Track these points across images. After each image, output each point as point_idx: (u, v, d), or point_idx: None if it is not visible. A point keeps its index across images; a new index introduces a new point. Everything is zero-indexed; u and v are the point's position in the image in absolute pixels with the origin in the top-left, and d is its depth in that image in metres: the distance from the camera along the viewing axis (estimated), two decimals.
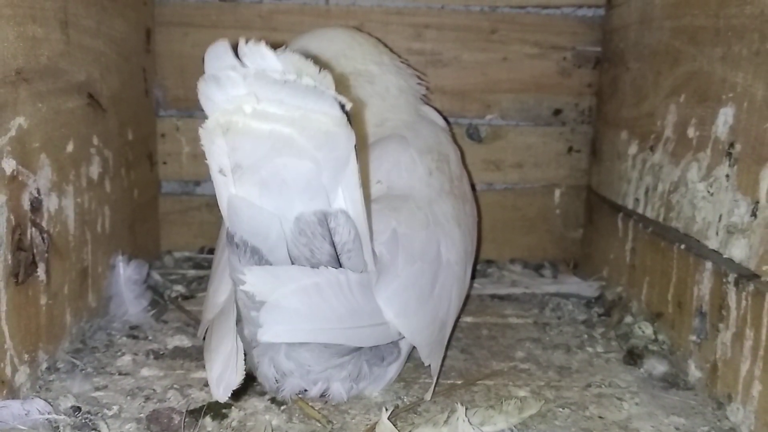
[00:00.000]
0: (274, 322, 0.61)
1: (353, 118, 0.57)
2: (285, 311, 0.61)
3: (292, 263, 0.62)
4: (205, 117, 0.55)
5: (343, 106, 0.56)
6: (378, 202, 0.78)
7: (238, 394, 0.62)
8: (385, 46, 1.06)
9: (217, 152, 0.56)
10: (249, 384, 0.76)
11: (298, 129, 0.55)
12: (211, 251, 1.25)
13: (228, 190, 0.58)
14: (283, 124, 0.55)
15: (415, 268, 0.73)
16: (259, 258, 0.61)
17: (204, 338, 0.78)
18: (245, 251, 0.61)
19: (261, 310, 0.61)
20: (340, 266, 0.64)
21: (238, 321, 0.69)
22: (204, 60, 0.54)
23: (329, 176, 0.58)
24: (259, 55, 0.53)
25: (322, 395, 0.72)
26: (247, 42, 0.52)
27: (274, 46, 0.54)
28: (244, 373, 0.60)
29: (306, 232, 0.60)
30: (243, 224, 0.60)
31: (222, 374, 0.61)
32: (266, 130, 0.54)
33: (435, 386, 0.75)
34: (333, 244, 0.62)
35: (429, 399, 0.75)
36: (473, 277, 1.08)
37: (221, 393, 0.60)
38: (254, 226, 0.60)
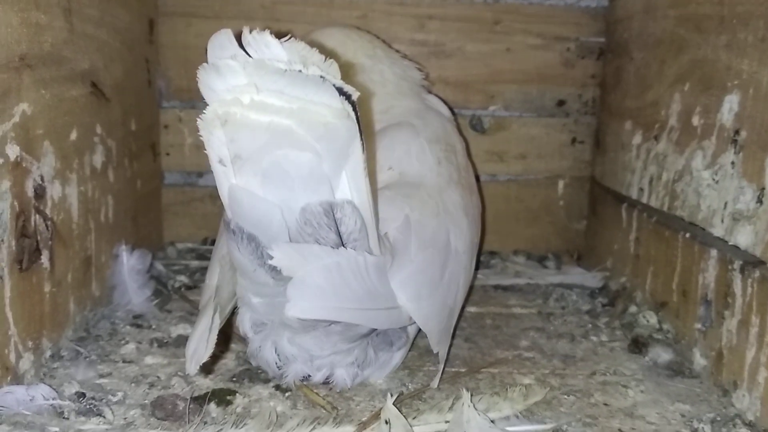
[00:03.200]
0: (300, 298, 0.60)
1: (360, 106, 0.57)
2: (311, 288, 0.60)
3: None
4: (206, 107, 0.55)
5: (348, 96, 0.55)
6: (390, 188, 0.78)
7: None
8: (384, 42, 1.06)
9: (216, 143, 0.56)
10: (254, 372, 0.76)
11: (296, 121, 0.54)
12: (214, 242, 1.25)
13: (228, 180, 0.58)
14: (281, 116, 0.54)
15: (427, 254, 0.73)
16: (255, 245, 0.61)
17: None
18: (241, 238, 0.61)
19: (288, 286, 0.60)
20: None
21: (237, 308, 0.70)
22: (207, 48, 0.53)
23: (331, 167, 0.58)
24: (263, 43, 0.52)
25: (326, 381, 0.72)
26: (251, 31, 0.52)
27: (279, 35, 0.53)
28: (213, 348, 0.62)
29: (312, 222, 0.60)
30: (244, 214, 0.60)
31: (196, 350, 0.63)
32: (265, 121, 0.54)
33: (441, 374, 0.75)
34: (339, 234, 0.62)
35: (436, 386, 0.74)
36: (477, 268, 1.08)
37: (192, 367, 0.62)
38: (256, 216, 0.60)
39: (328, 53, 0.54)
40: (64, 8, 0.79)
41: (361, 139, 0.58)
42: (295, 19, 1.21)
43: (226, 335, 0.83)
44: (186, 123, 1.24)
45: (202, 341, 0.63)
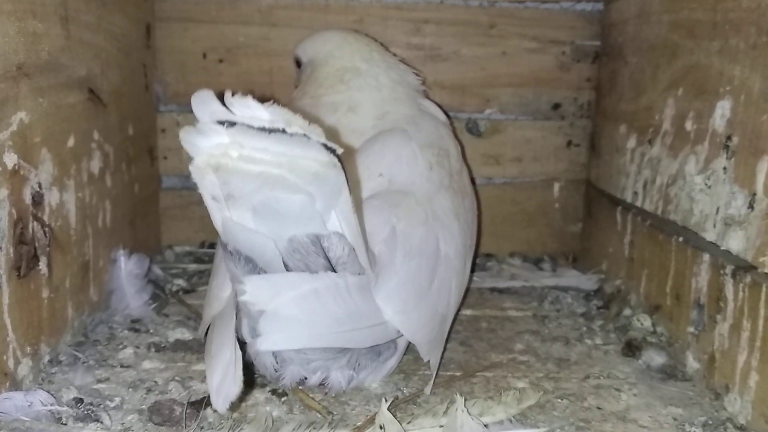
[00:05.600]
0: (272, 331, 0.61)
1: (344, 158, 0.58)
2: (283, 319, 0.61)
3: (288, 271, 0.63)
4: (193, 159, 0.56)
5: (333, 151, 0.56)
6: (378, 197, 0.79)
7: (238, 401, 0.62)
8: (382, 45, 1.06)
9: (209, 185, 0.57)
10: (251, 380, 0.76)
11: (287, 170, 0.56)
12: (212, 246, 1.26)
13: (221, 213, 0.60)
14: (272, 167, 0.55)
15: (413, 264, 0.74)
16: (253, 266, 0.62)
17: (205, 335, 0.79)
18: (239, 259, 0.62)
19: (260, 319, 0.61)
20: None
21: (237, 314, 0.69)
22: (192, 105, 0.54)
23: (323, 205, 0.59)
24: (244, 106, 0.53)
25: (322, 384, 0.72)
26: (233, 94, 0.53)
27: (260, 100, 0.54)
28: (242, 384, 0.60)
29: (300, 250, 0.62)
30: (239, 243, 0.61)
31: (221, 384, 0.61)
32: (256, 170, 0.55)
33: (434, 379, 0.76)
34: (327, 259, 0.63)
35: (428, 393, 0.75)
36: (473, 270, 1.09)
37: (221, 404, 0.60)
38: (249, 246, 0.61)
39: (312, 119, 0.55)
40: (61, 16, 0.80)
41: (348, 186, 0.59)
42: (291, 23, 1.21)
43: None
44: (183, 127, 1.24)
45: (228, 375, 0.60)
